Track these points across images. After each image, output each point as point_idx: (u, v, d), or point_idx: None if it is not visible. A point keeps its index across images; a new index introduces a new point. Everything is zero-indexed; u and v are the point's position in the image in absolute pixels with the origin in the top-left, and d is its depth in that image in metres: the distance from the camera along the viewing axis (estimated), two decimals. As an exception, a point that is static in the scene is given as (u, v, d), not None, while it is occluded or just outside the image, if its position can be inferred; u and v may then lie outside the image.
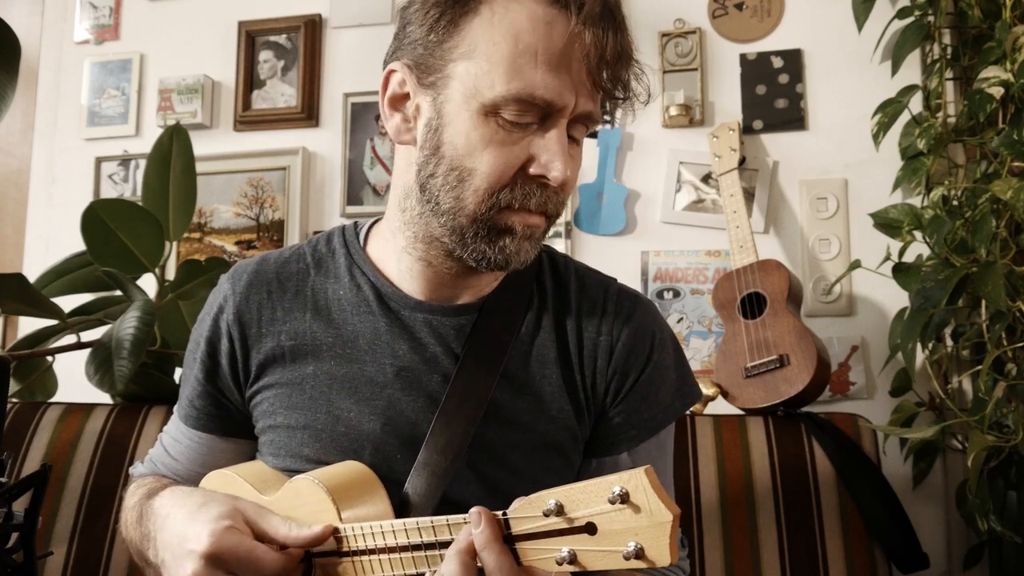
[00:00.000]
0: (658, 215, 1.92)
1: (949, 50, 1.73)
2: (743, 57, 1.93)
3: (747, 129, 1.90)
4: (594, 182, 1.95)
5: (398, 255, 0.90)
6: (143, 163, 1.71)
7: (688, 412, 1.39)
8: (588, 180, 1.96)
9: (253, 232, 2.11)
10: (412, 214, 0.86)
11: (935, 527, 1.67)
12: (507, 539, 0.64)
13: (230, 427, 0.96)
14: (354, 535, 0.76)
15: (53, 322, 1.60)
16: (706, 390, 1.59)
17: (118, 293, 1.64)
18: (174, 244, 1.79)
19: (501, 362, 0.88)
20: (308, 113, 2.12)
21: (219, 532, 0.75)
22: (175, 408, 1.01)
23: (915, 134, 1.67)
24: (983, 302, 1.46)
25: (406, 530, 0.72)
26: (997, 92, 1.50)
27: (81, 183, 2.23)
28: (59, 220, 2.22)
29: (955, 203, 1.61)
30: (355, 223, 0.99)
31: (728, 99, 1.93)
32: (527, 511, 0.63)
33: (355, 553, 0.76)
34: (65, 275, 1.65)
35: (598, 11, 0.78)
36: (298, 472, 0.83)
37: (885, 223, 1.69)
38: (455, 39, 0.79)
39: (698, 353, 1.85)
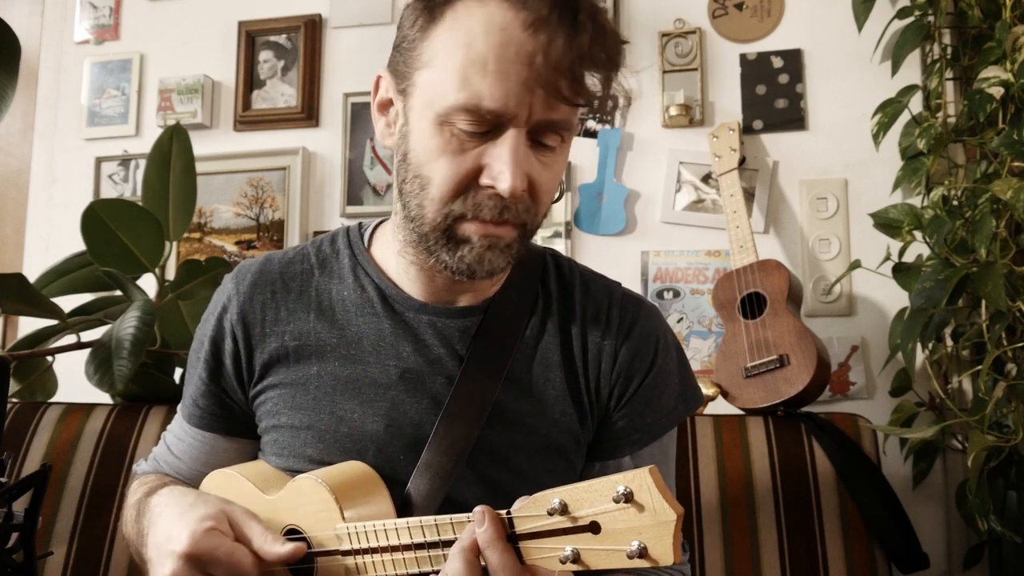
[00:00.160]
0: (658, 215, 1.92)
1: (949, 50, 1.73)
2: (743, 57, 1.93)
3: (747, 129, 1.90)
4: (594, 182, 1.95)
5: (396, 257, 0.91)
6: (143, 163, 1.71)
7: (688, 412, 1.39)
8: (588, 180, 1.96)
9: (253, 232, 2.11)
10: (399, 218, 0.87)
11: (935, 527, 1.67)
12: (510, 538, 0.64)
13: (233, 426, 0.96)
14: (356, 534, 0.76)
15: (53, 322, 1.59)
16: (706, 390, 1.59)
17: (118, 293, 1.64)
18: (174, 244, 1.79)
19: (505, 365, 0.88)
20: (308, 113, 2.12)
21: (199, 533, 0.75)
22: (179, 407, 1.01)
23: (915, 134, 1.67)
24: (983, 302, 1.46)
25: (409, 529, 0.72)
26: (997, 92, 1.50)
27: (81, 183, 2.23)
28: (59, 220, 2.22)
29: (955, 203, 1.61)
30: (360, 224, 1.00)
31: (728, 99, 1.93)
32: (531, 510, 0.63)
33: (358, 552, 0.76)
34: (65, 275, 1.65)
35: (554, 14, 0.75)
36: (301, 472, 0.83)
37: (885, 223, 1.69)
38: (422, 47, 0.80)
39: (698, 353, 1.85)
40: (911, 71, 1.79)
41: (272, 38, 2.18)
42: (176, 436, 1.00)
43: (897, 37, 1.75)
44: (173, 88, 2.19)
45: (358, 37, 2.13)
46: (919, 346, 1.55)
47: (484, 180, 0.78)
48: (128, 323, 1.47)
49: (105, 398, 1.59)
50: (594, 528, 0.60)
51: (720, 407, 1.62)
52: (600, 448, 0.93)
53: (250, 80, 2.17)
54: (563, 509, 0.61)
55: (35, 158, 2.30)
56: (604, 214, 1.94)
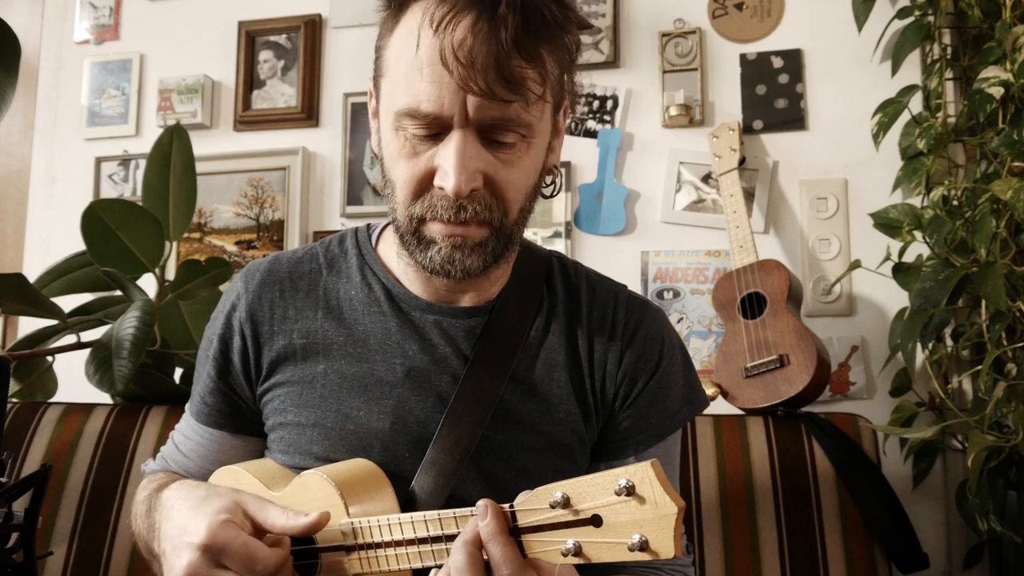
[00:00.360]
0: (658, 215, 1.92)
1: (949, 50, 1.73)
2: (743, 57, 1.93)
3: (747, 129, 1.90)
4: (594, 182, 1.95)
5: (398, 258, 0.93)
6: (143, 163, 1.71)
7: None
8: (588, 180, 1.96)
9: (253, 232, 2.11)
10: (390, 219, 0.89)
11: (935, 527, 1.67)
12: (513, 531, 0.65)
13: (241, 424, 0.97)
14: (361, 529, 0.76)
15: (53, 322, 1.60)
16: (706, 390, 1.59)
17: (118, 293, 1.64)
18: (174, 244, 1.79)
19: (510, 364, 0.89)
20: (308, 113, 2.12)
21: (216, 526, 0.75)
22: (187, 405, 1.02)
23: (915, 134, 1.67)
24: (983, 302, 1.46)
25: (413, 524, 0.72)
26: (997, 92, 1.50)
27: (81, 183, 2.23)
28: (59, 220, 2.22)
29: (955, 203, 1.61)
30: (368, 225, 1.01)
31: (728, 99, 1.93)
32: (534, 503, 0.64)
33: (362, 548, 0.76)
34: (65, 275, 1.65)
35: (459, 12, 0.75)
36: (307, 469, 0.84)
37: (885, 223, 1.69)
38: (384, 55, 0.83)
39: (698, 353, 1.85)
40: (911, 71, 1.79)
41: (272, 38, 2.18)
42: (184, 435, 1.01)
43: (897, 37, 1.75)
44: (173, 88, 2.19)
45: (358, 37, 2.13)
46: (919, 346, 1.55)
47: (436, 181, 0.80)
48: (128, 323, 1.47)
49: (105, 398, 1.59)
50: (596, 521, 0.60)
51: (720, 407, 1.62)
52: (605, 448, 0.94)
53: (250, 80, 2.17)
54: (565, 502, 0.61)
55: (35, 158, 2.30)
56: (604, 214, 1.94)
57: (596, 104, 1.98)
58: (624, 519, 0.59)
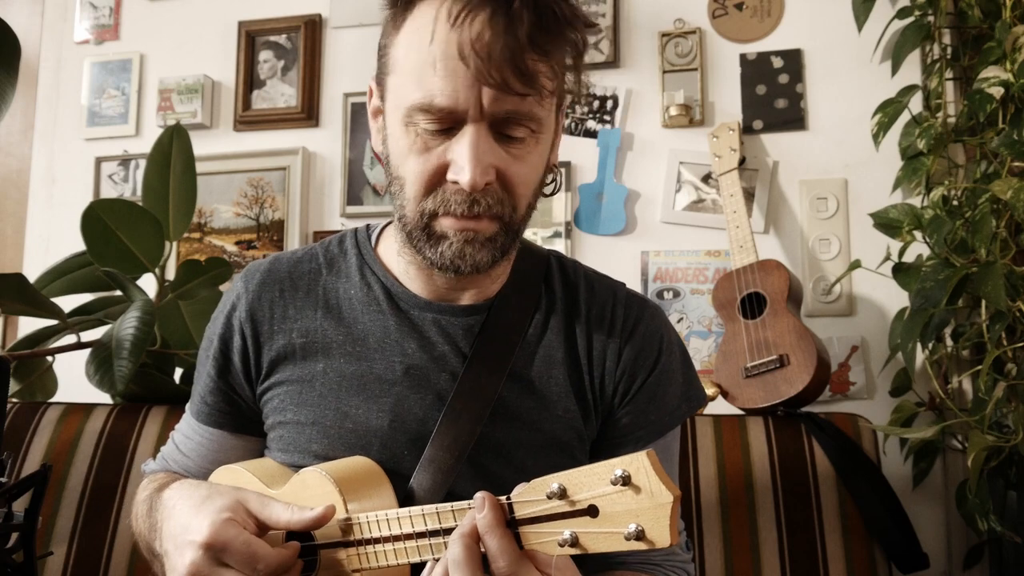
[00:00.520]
0: (658, 215, 1.92)
1: (949, 50, 1.73)
2: (743, 57, 1.93)
3: (747, 129, 1.90)
4: (594, 182, 1.95)
5: (397, 257, 0.93)
6: (143, 163, 1.71)
7: (688, 412, 1.39)
8: (588, 180, 1.96)
9: (253, 232, 2.11)
10: (395, 218, 0.89)
11: (935, 527, 1.67)
12: (510, 523, 0.65)
13: (241, 424, 0.97)
14: (359, 524, 0.76)
15: (53, 322, 1.60)
16: (706, 390, 1.59)
17: (118, 293, 1.64)
18: (174, 244, 1.79)
19: (508, 362, 0.90)
20: (308, 113, 2.12)
21: (219, 524, 0.76)
22: (187, 405, 1.02)
23: (915, 134, 1.67)
24: (983, 302, 1.46)
25: (411, 518, 0.73)
26: (997, 92, 1.50)
27: (81, 183, 2.23)
28: (59, 220, 2.22)
29: (955, 203, 1.61)
30: (368, 225, 1.02)
31: (728, 99, 1.93)
32: (531, 495, 0.64)
33: (360, 543, 0.77)
34: (65, 275, 1.65)
35: (482, 8, 0.76)
36: (306, 467, 0.84)
37: (885, 223, 1.69)
38: (390, 52, 0.83)
39: (698, 353, 1.85)
40: (911, 71, 1.79)
41: (272, 38, 2.18)
42: (184, 434, 1.02)
43: (897, 37, 1.75)
44: (173, 88, 2.19)
45: (358, 37, 2.13)
46: (919, 346, 1.55)
47: (449, 176, 0.80)
48: (128, 323, 1.47)
49: (105, 398, 1.59)
50: (592, 512, 0.60)
51: (720, 407, 1.62)
52: (604, 445, 0.95)
53: (250, 80, 2.18)
54: (562, 493, 0.61)
55: (35, 158, 2.30)
56: (604, 214, 1.94)
57: (596, 104, 1.98)
58: (620, 509, 0.59)
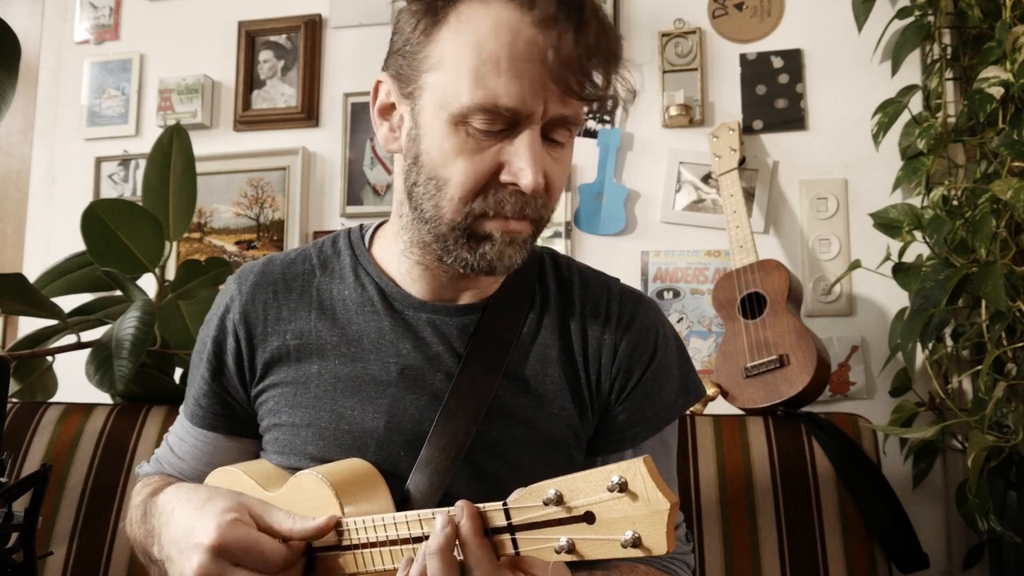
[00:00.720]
0: (658, 215, 1.92)
1: (949, 50, 1.73)
2: (743, 57, 1.93)
3: (747, 129, 1.90)
4: (594, 182, 1.95)
5: (398, 258, 0.92)
6: (143, 163, 1.71)
7: (688, 412, 1.40)
8: (588, 180, 1.96)
9: (253, 232, 2.11)
10: (406, 220, 0.88)
11: (935, 527, 1.67)
12: (507, 529, 0.65)
13: (235, 426, 0.97)
14: (355, 528, 0.76)
15: (53, 322, 1.60)
16: (706, 390, 1.59)
17: (118, 293, 1.64)
18: (174, 244, 1.79)
19: (503, 361, 0.89)
20: (308, 113, 2.12)
21: (225, 525, 0.75)
22: (181, 407, 1.02)
23: (915, 134, 1.67)
24: (983, 302, 1.46)
25: (408, 523, 0.72)
26: (997, 92, 1.50)
27: (81, 183, 2.23)
28: (59, 220, 2.22)
29: (955, 203, 1.61)
30: (360, 226, 1.01)
31: (728, 99, 1.93)
32: (528, 500, 0.64)
33: (356, 547, 0.76)
34: (65, 275, 1.65)
35: (561, 11, 0.76)
36: (302, 470, 0.84)
37: (885, 223, 1.69)
38: (427, 49, 0.80)
39: (698, 353, 1.85)
40: (911, 71, 1.79)
41: (272, 38, 2.18)
42: (178, 437, 1.01)
43: (897, 37, 1.75)
44: (173, 88, 2.19)
45: (358, 37, 2.13)
46: (919, 346, 1.55)
47: (504, 177, 0.79)
48: (128, 323, 1.47)
49: (105, 398, 1.59)
50: (589, 518, 0.60)
51: (720, 407, 1.62)
52: (601, 442, 0.94)
53: (250, 80, 2.18)
54: (559, 499, 0.61)
55: (35, 158, 2.30)
56: (604, 214, 1.94)
57: (596, 104, 1.98)
58: (617, 516, 0.59)
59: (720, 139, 1.81)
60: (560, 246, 1.93)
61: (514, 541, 0.65)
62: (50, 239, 2.23)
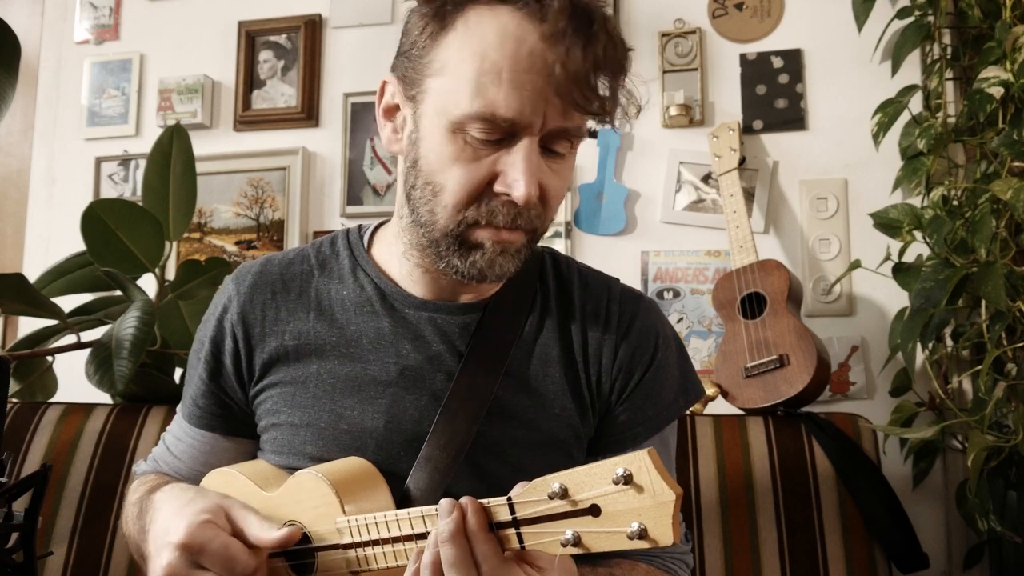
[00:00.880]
0: (658, 215, 1.92)
1: (949, 50, 1.73)
2: (743, 57, 1.93)
3: (747, 129, 1.90)
4: (594, 182, 1.95)
5: (399, 259, 0.92)
6: (143, 163, 1.71)
7: (688, 412, 1.40)
8: (588, 180, 1.96)
9: (253, 232, 2.11)
10: (406, 222, 0.88)
11: (935, 527, 1.67)
12: (512, 523, 0.65)
13: (232, 426, 0.97)
14: (356, 527, 0.76)
15: (53, 322, 1.60)
16: (706, 390, 1.59)
17: (118, 293, 1.64)
18: (174, 244, 1.79)
19: (504, 360, 0.89)
20: (308, 113, 2.12)
21: (195, 526, 0.76)
22: (179, 407, 1.02)
23: (915, 134, 1.67)
24: (983, 302, 1.46)
25: (410, 520, 0.72)
26: (997, 92, 1.50)
27: (81, 183, 2.23)
28: (59, 220, 2.22)
29: (955, 203, 1.61)
30: (359, 226, 1.01)
31: (728, 99, 1.93)
32: (532, 495, 0.64)
33: (358, 545, 0.77)
34: (65, 275, 1.65)
35: (571, 25, 0.75)
36: (300, 470, 0.84)
37: (885, 223, 1.69)
38: (432, 54, 0.80)
39: (698, 353, 1.85)
40: (911, 71, 1.79)
41: (272, 38, 2.18)
42: (176, 436, 1.01)
43: (897, 37, 1.75)
44: (173, 88, 2.19)
45: (358, 37, 2.13)
46: (919, 346, 1.55)
47: (498, 187, 0.79)
48: (128, 323, 1.47)
49: (105, 398, 1.59)
50: (594, 511, 0.60)
51: (720, 407, 1.62)
52: (601, 443, 0.94)
53: (250, 80, 2.18)
54: (563, 493, 0.61)
55: (35, 158, 2.30)
56: (604, 214, 1.94)
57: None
58: (622, 508, 0.59)
59: (720, 139, 1.81)
60: (560, 246, 1.93)
61: (519, 535, 0.65)
62: (50, 239, 2.23)
